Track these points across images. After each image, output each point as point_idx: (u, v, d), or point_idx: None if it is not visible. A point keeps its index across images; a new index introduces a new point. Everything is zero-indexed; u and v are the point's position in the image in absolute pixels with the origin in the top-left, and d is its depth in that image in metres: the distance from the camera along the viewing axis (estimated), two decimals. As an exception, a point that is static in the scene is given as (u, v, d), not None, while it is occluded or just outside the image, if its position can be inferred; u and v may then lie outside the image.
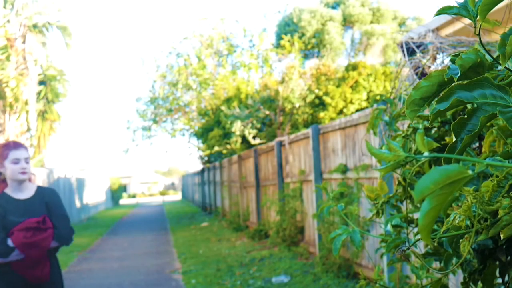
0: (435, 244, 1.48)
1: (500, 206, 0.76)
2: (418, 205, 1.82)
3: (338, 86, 14.43)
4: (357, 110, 14.04)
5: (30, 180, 3.36)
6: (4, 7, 17.22)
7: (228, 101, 14.82)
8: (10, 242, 3.12)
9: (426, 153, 0.69)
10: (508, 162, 0.84)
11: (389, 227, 1.68)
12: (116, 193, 38.81)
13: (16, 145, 3.23)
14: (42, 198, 3.28)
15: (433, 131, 1.82)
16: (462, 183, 0.55)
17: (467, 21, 2.91)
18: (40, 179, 15.34)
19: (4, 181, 3.27)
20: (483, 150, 1.08)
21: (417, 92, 0.79)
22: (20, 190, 3.25)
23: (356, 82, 14.46)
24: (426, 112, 1.72)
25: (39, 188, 3.34)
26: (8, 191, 3.23)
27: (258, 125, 14.58)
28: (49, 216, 3.27)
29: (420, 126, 1.73)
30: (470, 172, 0.55)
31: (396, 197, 1.86)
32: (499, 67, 0.83)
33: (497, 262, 1.27)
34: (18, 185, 3.24)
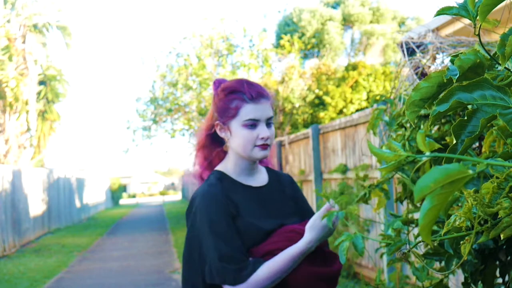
0: (436, 244, 1.48)
1: (501, 208, 0.76)
2: (418, 204, 1.82)
3: (338, 86, 14.42)
4: (357, 110, 14.03)
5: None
6: (4, 7, 17.21)
7: (228, 101, 14.71)
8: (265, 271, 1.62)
9: (427, 153, 0.69)
10: (508, 162, 0.84)
11: (390, 231, 1.68)
12: (116, 193, 38.80)
13: (252, 90, 1.74)
14: (280, 187, 1.89)
15: (433, 131, 1.82)
16: (463, 183, 0.55)
17: (467, 21, 2.91)
18: (40, 179, 15.33)
19: (218, 153, 1.86)
20: (483, 150, 1.08)
21: (417, 93, 0.78)
22: (251, 173, 1.83)
23: (356, 82, 14.45)
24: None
25: (269, 171, 1.94)
26: (229, 171, 1.80)
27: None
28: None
29: (420, 124, 1.72)
30: (470, 171, 0.55)
31: (387, 183, 1.89)
32: (499, 68, 0.83)
33: (498, 262, 1.27)
34: (249, 166, 1.80)
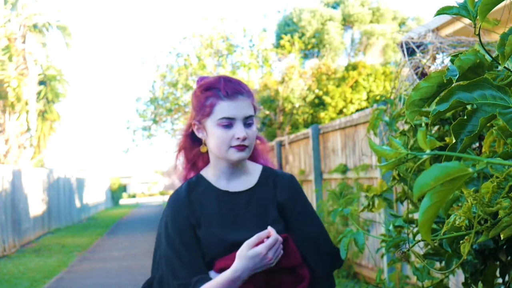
0: (436, 244, 1.48)
1: (500, 208, 0.76)
2: (418, 204, 1.82)
3: (338, 86, 14.42)
4: (357, 110, 14.03)
5: (254, 155, 1.76)
6: (4, 7, 17.21)
7: (228, 101, 14.69)
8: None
9: (427, 151, 0.69)
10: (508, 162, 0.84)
11: (391, 227, 1.68)
12: (116, 193, 38.81)
13: (228, 87, 1.61)
14: (270, 191, 1.67)
15: (433, 131, 1.82)
16: (462, 181, 0.55)
17: (467, 21, 2.91)
18: (40, 179, 15.33)
19: (202, 154, 1.73)
20: (483, 150, 1.08)
21: (416, 93, 0.79)
22: (232, 175, 1.67)
23: (356, 82, 14.45)
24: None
25: (265, 171, 1.72)
26: (208, 175, 1.69)
27: (258, 125, 14.54)
28: (290, 230, 1.64)
29: (421, 121, 1.72)
30: (470, 170, 0.55)
31: (390, 192, 1.88)
32: (499, 67, 0.83)
33: (498, 262, 1.27)
34: (228, 168, 1.66)
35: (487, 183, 0.83)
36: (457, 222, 0.84)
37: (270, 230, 1.52)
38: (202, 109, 1.61)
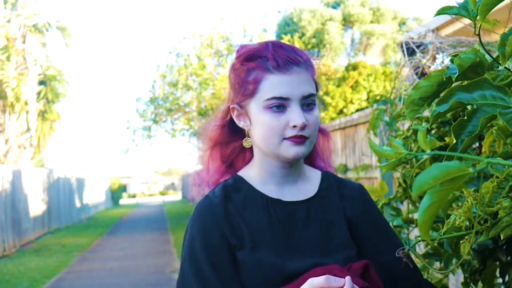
0: (436, 244, 1.48)
1: (500, 207, 0.76)
2: (418, 204, 1.82)
3: (338, 86, 14.42)
4: (357, 110, 14.03)
5: (313, 154, 1.36)
6: (4, 7, 17.21)
7: (228, 101, 14.70)
8: None
9: (427, 151, 0.69)
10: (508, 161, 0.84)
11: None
12: (116, 193, 38.81)
13: (280, 55, 1.20)
14: (336, 204, 1.27)
15: (433, 132, 1.82)
16: (462, 181, 0.55)
17: (467, 21, 2.91)
18: (40, 179, 15.33)
19: (243, 151, 1.33)
20: (483, 150, 1.08)
21: (416, 92, 0.79)
22: (285, 180, 1.26)
23: (356, 82, 14.46)
24: (426, 113, 1.72)
25: (327, 178, 1.32)
26: (251, 177, 1.28)
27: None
28: (366, 254, 1.23)
29: (422, 125, 1.72)
30: (470, 169, 0.55)
31: (396, 199, 1.86)
32: (499, 67, 0.83)
33: (497, 262, 1.27)
34: (281, 169, 1.25)
35: (487, 183, 0.83)
36: (457, 222, 0.84)
37: (347, 280, 1.04)
38: (243, 87, 1.20)
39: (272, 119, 1.17)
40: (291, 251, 1.17)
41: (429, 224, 0.56)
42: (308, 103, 1.20)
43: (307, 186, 1.28)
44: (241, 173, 1.29)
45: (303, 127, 1.17)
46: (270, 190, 1.24)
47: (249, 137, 1.25)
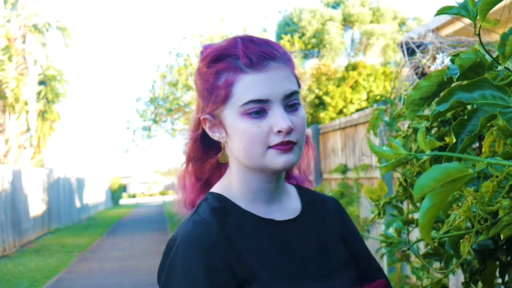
0: (436, 244, 1.48)
1: (501, 207, 0.76)
2: (418, 204, 1.82)
3: (338, 86, 14.43)
4: (357, 110, 14.03)
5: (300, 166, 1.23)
6: (4, 7, 17.22)
7: (228, 101, 14.69)
8: None
9: (427, 152, 0.69)
10: (508, 162, 0.84)
11: (390, 230, 1.68)
12: (116, 193, 38.83)
13: (251, 50, 1.03)
14: (325, 221, 1.17)
15: (433, 131, 1.82)
16: (463, 182, 0.55)
17: (467, 21, 2.91)
18: (40, 179, 15.33)
19: (219, 167, 1.17)
20: (483, 150, 1.08)
21: (416, 92, 0.79)
22: (272, 196, 1.11)
23: (356, 82, 14.46)
24: (426, 112, 1.72)
25: (303, 192, 1.20)
26: (234, 196, 1.10)
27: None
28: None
29: (422, 125, 1.72)
30: (470, 170, 0.55)
31: (397, 198, 1.86)
32: (499, 67, 0.83)
33: (497, 262, 1.27)
34: (267, 184, 1.09)
35: (487, 183, 0.83)
36: (457, 222, 0.84)
37: None
38: (214, 94, 1.04)
39: (252, 127, 1.01)
40: (298, 276, 1.03)
41: (430, 225, 0.56)
42: (291, 103, 1.04)
43: (291, 202, 1.14)
44: (220, 191, 1.09)
45: (289, 131, 1.01)
46: (259, 209, 1.08)
47: (225, 150, 1.10)
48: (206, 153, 1.15)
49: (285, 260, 1.04)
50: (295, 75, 1.09)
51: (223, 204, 1.07)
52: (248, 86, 1.02)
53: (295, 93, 1.06)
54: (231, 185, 1.10)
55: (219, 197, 1.08)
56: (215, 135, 1.09)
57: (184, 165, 1.18)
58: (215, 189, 1.11)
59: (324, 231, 1.13)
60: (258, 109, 1.01)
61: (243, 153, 1.04)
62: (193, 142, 1.15)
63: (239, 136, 1.03)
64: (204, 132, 1.11)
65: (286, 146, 1.02)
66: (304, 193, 1.19)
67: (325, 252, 1.10)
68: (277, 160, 1.02)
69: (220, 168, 1.15)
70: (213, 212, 1.05)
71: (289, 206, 1.13)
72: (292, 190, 1.18)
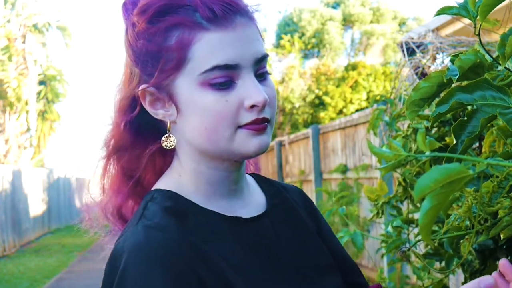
0: (436, 244, 1.48)
1: (501, 207, 0.76)
2: (418, 205, 1.82)
3: (338, 86, 14.43)
4: (357, 110, 14.04)
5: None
6: (4, 7, 17.23)
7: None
8: None
9: (427, 153, 0.69)
10: (509, 162, 0.84)
11: (390, 228, 1.68)
12: (116, 193, 38.82)
13: (215, 3, 0.78)
14: (296, 216, 0.96)
15: (433, 131, 1.82)
16: (463, 182, 0.55)
17: (467, 21, 2.91)
18: (40, 179, 15.33)
19: (156, 157, 0.90)
20: (483, 150, 1.08)
21: (416, 93, 0.79)
22: (234, 189, 0.89)
23: (356, 82, 14.46)
24: (426, 112, 1.72)
25: (263, 182, 0.98)
26: (186, 192, 0.85)
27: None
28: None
29: (422, 125, 1.73)
30: (470, 171, 0.55)
31: (397, 198, 1.86)
32: (499, 68, 0.83)
33: (498, 262, 1.27)
34: (229, 175, 0.87)
35: (487, 183, 0.83)
36: (457, 222, 0.84)
37: None
38: (162, 58, 0.80)
39: (218, 101, 0.79)
40: (277, 282, 0.85)
41: (430, 226, 0.57)
42: (261, 71, 0.83)
43: (254, 194, 0.94)
44: (169, 187, 0.86)
45: (265, 105, 0.80)
46: (221, 206, 0.86)
47: (170, 134, 0.85)
48: (139, 141, 0.89)
49: (261, 264, 0.84)
50: (261, 34, 0.86)
51: (177, 203, 0.83)
52: (213, 47, 0.78)
53: (265, 57, 0.84)
54: (181, 179, 0.87)
55: (170, 195, 0.84)
56: (159, 113, 0.84)
57: (104, 160, 0.91)
58: (161, 184, 0.87)
59: (299, 228, 0.94)
60: (225, 79, 0.79)
61: (204, 136, 0.81)
62: (122, 128, 0.87)
63: (199, 113, 0.80)
64: (139, 112, 0.86)
65: (260, 125, 0.81)
66: (264, 183, 0.98)
67: (305, 251, 0.91)
68: (249, 143, 0.81)
69: (154, 160, 0.90)
70: (167, 214, 0.81)
71: (253, 200, 0.92)
72: (250, 180, 0.96)
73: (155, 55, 0.81)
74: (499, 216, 0.82)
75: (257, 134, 0.81)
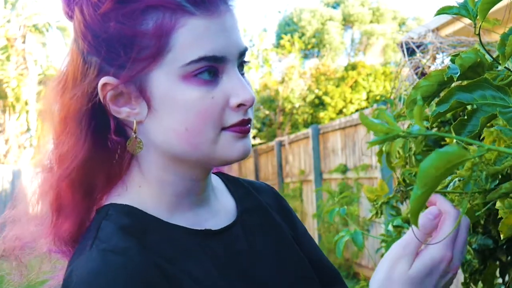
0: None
1: (507, 166, 0.75)
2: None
3: (337, 86, 14.43)
4: (357, 110, 14.04)
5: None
6: (4, 7, 17.25)
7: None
8: None
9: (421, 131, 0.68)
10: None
11: (390, 227, 1.68)
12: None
13: None
14: (270, 220, 0.86)
15: (433, 131, 1.82)
16: (459, 166, 0.55)
17: (467, 21, 2.91)
18: (40, 179, 15.33)
19: (115, 167, 0.74)
20: (483, 150, 1.08)
21: (416, 92, 0.79)
22: (200, 198, 0.78)
23: (356, 82, 14.46)
24: (426, 111, 1.72)
25: (229, 181, 0.88)
26: (152, 208, 0.74)
27: (258, 125, 14.61)
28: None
29: (419, 97, 1.72)
30: (469, 155, 0.55)
31: (396, 198, 1.86)
32: (499, 67, 0.83)
33: (498, 262, 1.27)
34: (196, 182, 0.76)
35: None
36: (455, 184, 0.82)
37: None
38: (136, 45, 0.68)
39: (203, 97, 0.68)
40: None
41: (419, 211, 0.57)
42: (241, 65, 0.75)
43: (222, 200, 0.83)
44: (126, 201, 0.74)
45: (250, 104, 0.72)
46: (186, 219, 0.75)
47: (136, 137, 0.72)
48: (97, 147, 0.73)
49: (234, 282, 0.74)
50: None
51: (136, 219, 0.71)
52: (198, 35, 0.67)
53: (246, 50, 0.75)
54: (141, 190, 0.74)
55: (128, 210, 0.72)
56: (122, 111, 0.71)
57: (48, 175, 0.77)
58: (117, 198, 0.74)
59: (273, 234, 0.84)
60: (211, 73, 0.69)
61: (183, 138, 0.69)
62: (81, 135, 0.73)
63: (178, 112, 0.68)
64: (96, 108, 0.72)
65: (246, 127, 0.72)
66: (233, 184, 0.87)
67: (281, 262, 0.81)
68: (233, 147, 0.71)
69: (110, 167, 0.76)
70: (125, 233, 0.68)
71: (222, 208, 0.81)
72: (217, 182, 0.86)
73: (127, 42, 0.68)
74: (496, 206, 0.82)
75: (241, 137, 0.72)
